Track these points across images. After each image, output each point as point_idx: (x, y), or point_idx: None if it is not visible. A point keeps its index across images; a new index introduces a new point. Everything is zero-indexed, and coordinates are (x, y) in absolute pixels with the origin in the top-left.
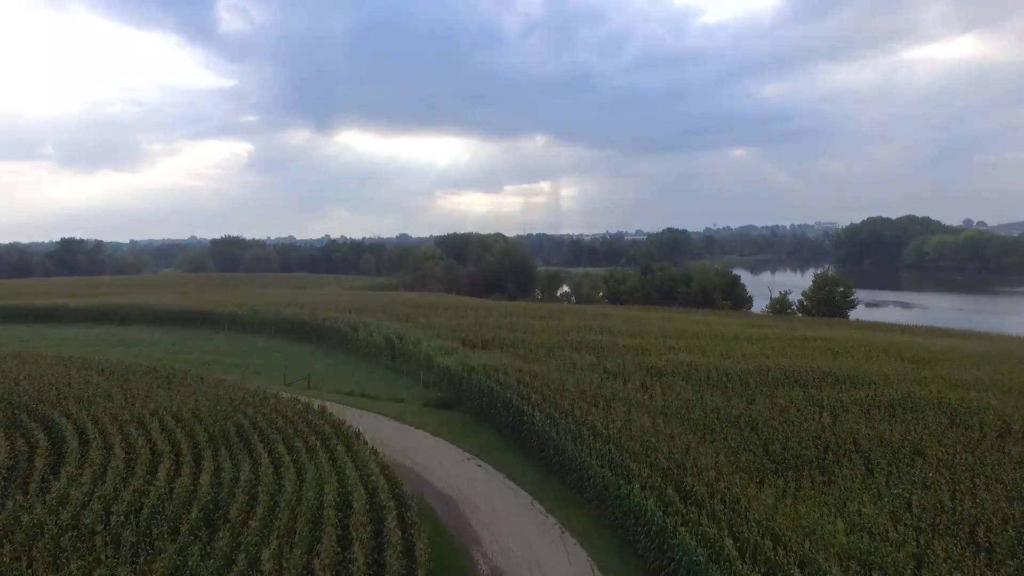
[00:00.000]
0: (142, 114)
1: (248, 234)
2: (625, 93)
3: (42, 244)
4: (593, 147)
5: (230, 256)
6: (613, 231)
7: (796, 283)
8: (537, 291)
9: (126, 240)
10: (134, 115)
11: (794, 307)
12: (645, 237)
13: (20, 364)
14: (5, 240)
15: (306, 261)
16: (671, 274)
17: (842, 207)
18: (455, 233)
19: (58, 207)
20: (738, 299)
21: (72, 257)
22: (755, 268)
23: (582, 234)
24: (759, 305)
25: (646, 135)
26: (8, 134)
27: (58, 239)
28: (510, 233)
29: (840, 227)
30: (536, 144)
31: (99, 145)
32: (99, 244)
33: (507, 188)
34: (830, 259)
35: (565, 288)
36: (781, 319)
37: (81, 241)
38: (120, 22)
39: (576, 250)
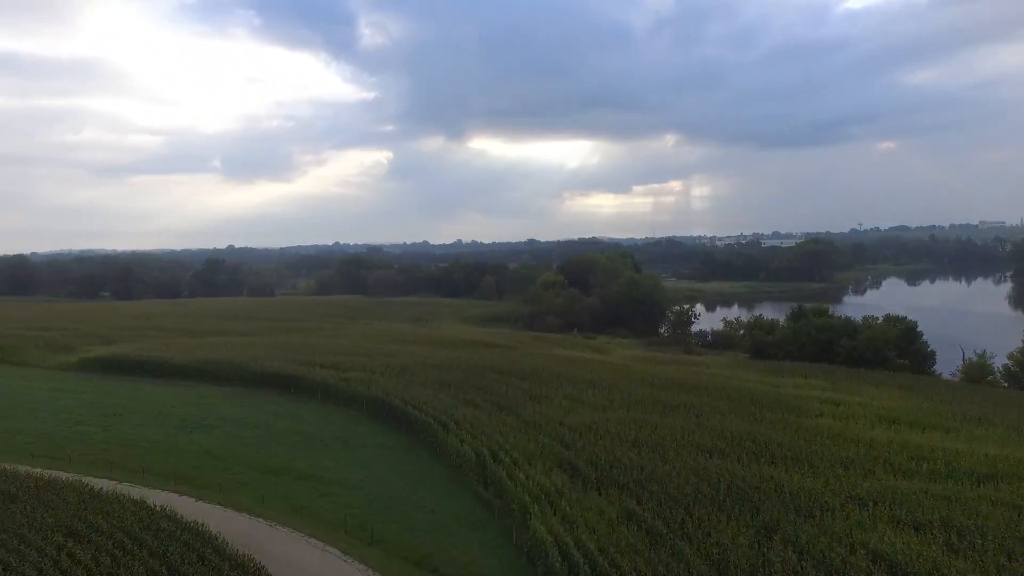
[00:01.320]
0: (294, 128)
1: (386, 239)
2: (758, 87)
3: (206, 250)
4: (724, 144)
5: (356, 278)
6: (748, 233)
7: (961, 294)
8: (665, 327)
9: (279, 246)
10: (287, 129)
11: (997, 374)
12: (782, 243)
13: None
14: (179, 246)
15: (429, 282)
16: (831, 323)
17: (1011, 204)
18: (578, 256)
19: (222, 214)
20: (917, 357)
21: (214, 276)
22: (912, 278)
23: (714, 236)
24: (944, 366)
25: (781, 130)
26: (183, 150)
27: (224, 245)
28: (639, 235)
29: (1010, 226)
30: (665, 143)
31: (257, 158)
32: (238, 265)
33: (636, 188)
34: (1005, 269)
35: (698, 324)
36: (998, 401)
37: (223, 262)
38: (274, 44)
39: (709, 263)
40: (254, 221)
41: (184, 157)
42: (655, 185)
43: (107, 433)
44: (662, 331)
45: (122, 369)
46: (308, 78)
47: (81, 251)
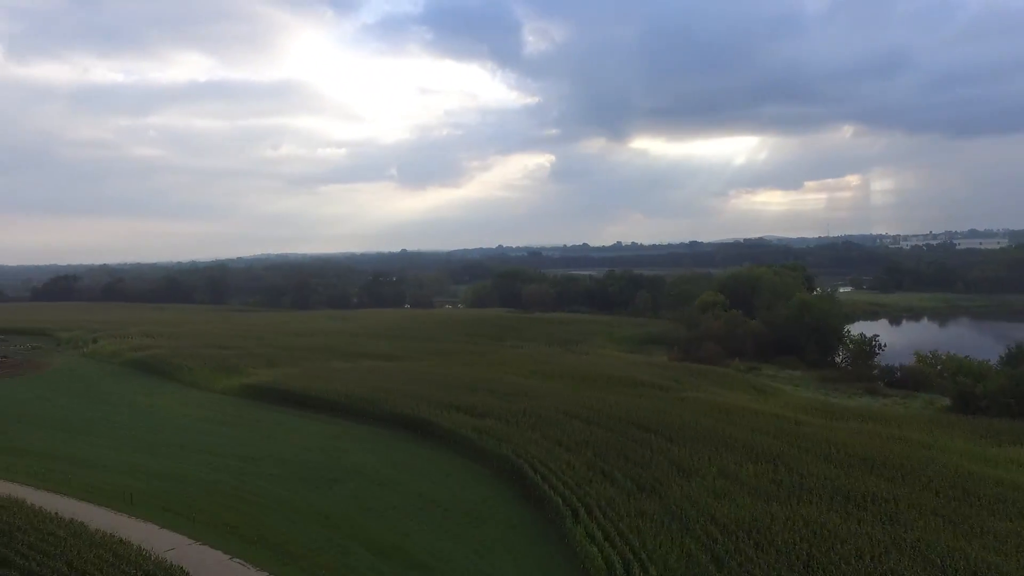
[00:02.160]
0: (462, 135)
1: (547, 241)
2: (951, 68)
3: (383, 254)
4: (911, 133)
5: (511, 290)
6: (938, 231)
7: None
8: (842, 356)
9: (447, 249)
10: (456, 137)
11: None
12: (981, 244)
13: None
14: (359, 249)
15: (583, 295)
16: None
17: None
18: (741, 272)
19: (397, 219)
20: None
21: (379, 288)
22: None
23: (898, 235)
24: None
25: (980, 114)
26: (364, 160)
27: (398, 249)
28: (810, 234)
29: None
30: (842, 135)
31: (429, 165)
32: (403, 274)
33: (807, 184)
34: None
35: (881, 356)
36: None
37: (388, 274)
38: (444, 57)
39: (893, 272)
40: (425, 225)
41: (365, 167)
42: (829, 180)
43: (237, 483)
44: (838, 360)
45: (274, 398)
46: (475, 87)
47: (278, 255)
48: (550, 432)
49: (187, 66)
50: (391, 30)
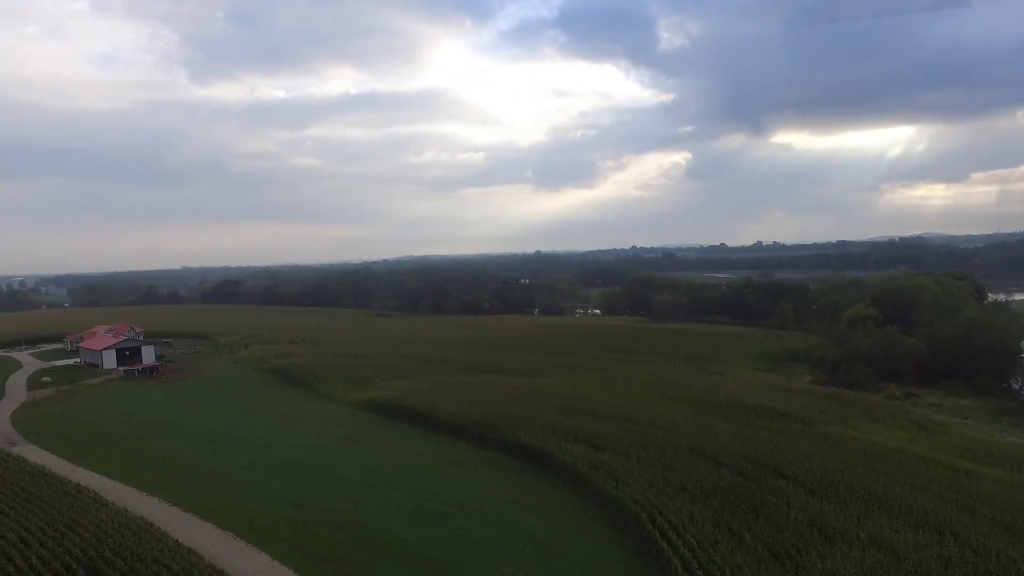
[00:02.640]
0: (597, 136)
1: (682, 241)
2: None
3: (518, 255)
4: None
5: (642, 298)
6: None
7: None
8: (1021, 382)
9: (581, 249)
10: (590, 138)
11: None
12: None
13: None
14: (496, 251)
15: (717, 303)
16: None
17: None
18: (898, 283)
19: (532, 221)
20: None
21: (510, 294)
22: None
23: None
24: None
25: None
26: (501, 164)
27: (532, 250)
28: (978, 231)
29: None
30: (1016, 120)
31: (564, 167)
32: (533, 282)
33: (974, 176)
34: None
35: None
36: None
37: (518, 281)
38: (578, 59)
39: None
40: (559, 226)
41: (502, 170)
42: (1000, 171)
43: (353, 513)
44: (1016, 386)
45: (398, 415)
46: (609, 87)
47: (419, 257)
48: (674, 475)
49: (340, 80)
50: (526, 35)
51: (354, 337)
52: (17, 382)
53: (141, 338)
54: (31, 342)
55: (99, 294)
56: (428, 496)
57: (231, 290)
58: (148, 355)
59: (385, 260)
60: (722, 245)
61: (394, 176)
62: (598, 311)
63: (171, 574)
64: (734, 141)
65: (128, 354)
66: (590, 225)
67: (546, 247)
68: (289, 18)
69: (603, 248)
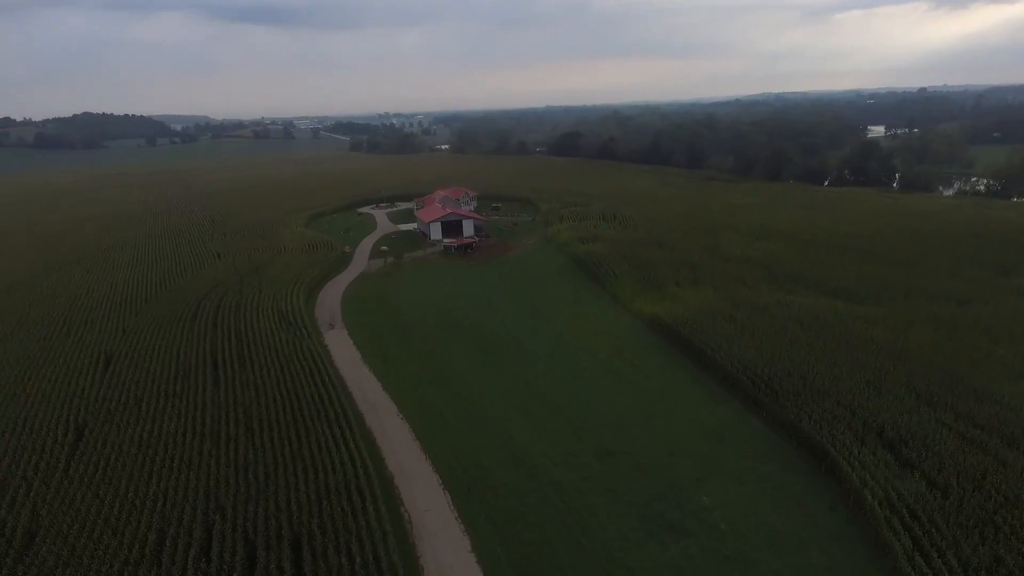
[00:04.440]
0: None
1: None
2: None
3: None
4: None
5: None
6: None
7: None
8: None
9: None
10: None
11: None
12: None
13: None
14: (869, 86)
15: None
16: None
17: None
18: None
19: (920, 49)
20: None
21: (864, 163)
22: None
23: None
24: None
25: None
26: None
27: (916, 86)
28: None
29: None
30: None
31: None
32: (896, 141)
33: None
34: None
35: None
36: None
37: (876, 145)
38: None
39: None
40: (959, 56)
41: None
42: None
43: (575, 498)
44: None
45: (676, 344)
46: None
47: (778, 93)
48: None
49: None
50: None
51: (668, 213)
52: (365, 248)
53: (474, 203)
54: (391, 199)
55: (465, 141)
56: (666, 487)
57: (571, 143)
58: (468, 229)
59: (738, 99)
60: None
61: (760, 3)
62: (982, 186)
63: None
64: None
65: (451, 227)
66: (1003, 53)
67: (936, 81)
68: None
69: (1015, 82)
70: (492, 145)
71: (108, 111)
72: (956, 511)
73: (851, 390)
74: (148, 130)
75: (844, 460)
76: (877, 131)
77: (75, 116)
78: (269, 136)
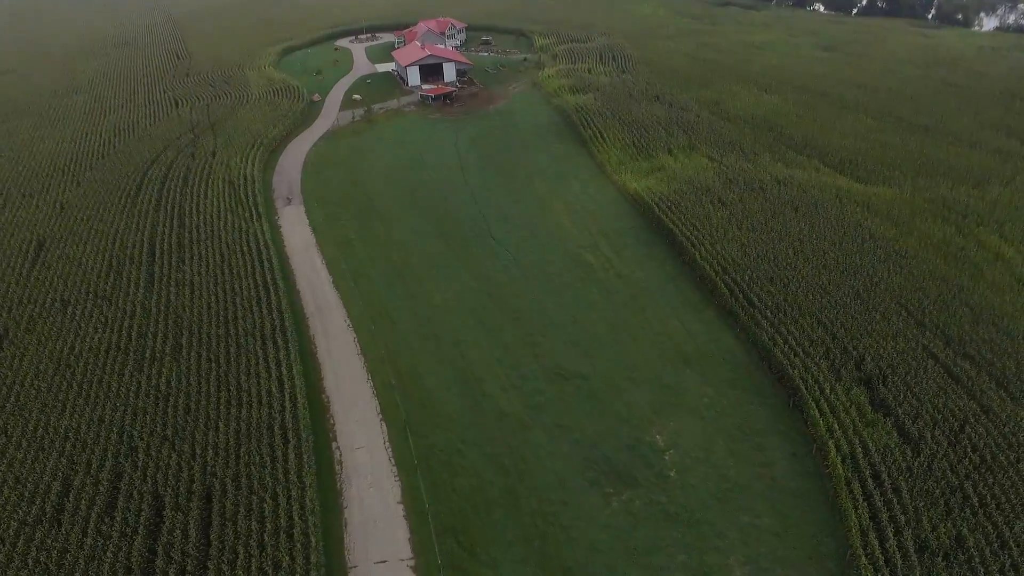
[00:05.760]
0: None
1: None
2: None
3: None
4: None
5: None
6: None
7: None
8: None
9: None
10: None
11: None
12: None
13: None
14: None
15: None
16: None
17: None
18: None
19: None
20: None
21: None
22: None
23: None
24: None
25: None
26: None
27: None
28: None
29: None
30: None
31: None
32: None
33: None
34: None
35: None
36: None
37: None
38: None
39: None
40: None
41: None
42: None
43: (521, 430)
44: None
45: (658, 231)
46: None
47: None
48: None
49: None
50: None
51: (674, 53)
52: (336, 95)
53: (463, 35)
54: (372, 31)
55: None
56: (619, 424)
57: None
58: (449, 73)
59: None
60: None
61: None
62: None
63: None
64: None
65: (431, 71)
66: None
67: None
68: None
69: None
70: None
71: None
72: (924, 475)
73: (836, 304)
74: None
75: (813, 400)
76: None
77: None
78: None
